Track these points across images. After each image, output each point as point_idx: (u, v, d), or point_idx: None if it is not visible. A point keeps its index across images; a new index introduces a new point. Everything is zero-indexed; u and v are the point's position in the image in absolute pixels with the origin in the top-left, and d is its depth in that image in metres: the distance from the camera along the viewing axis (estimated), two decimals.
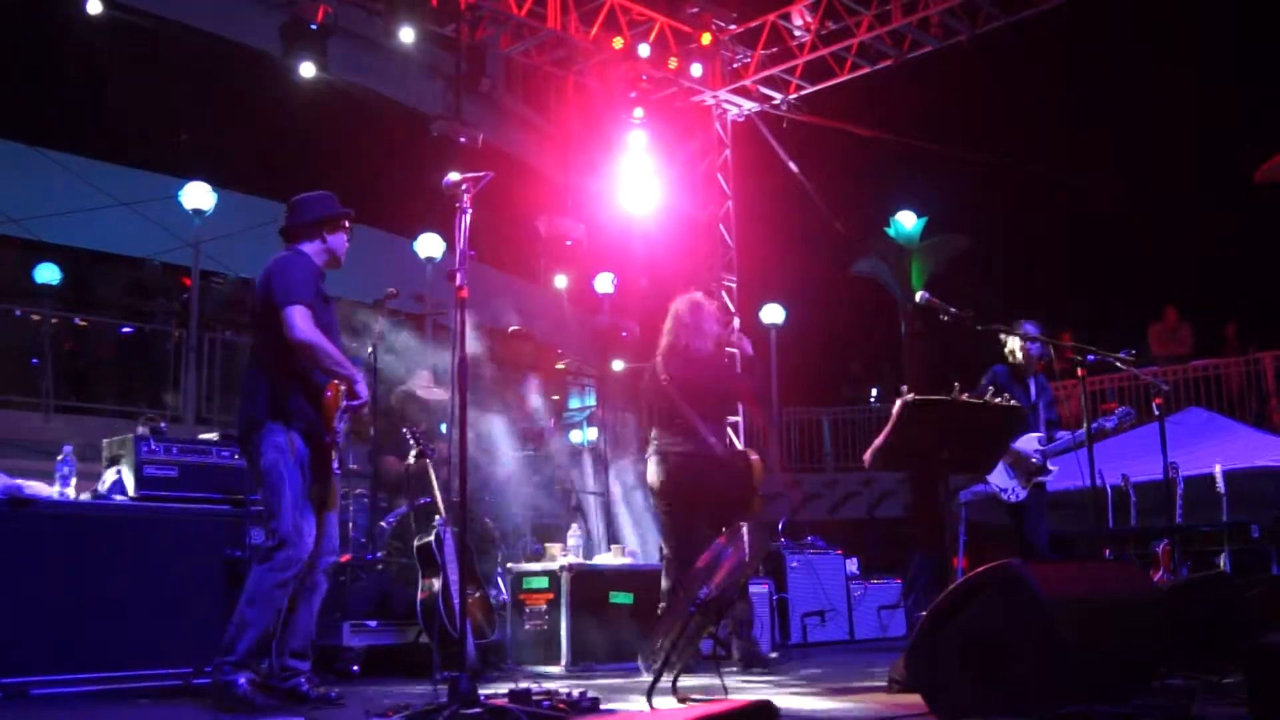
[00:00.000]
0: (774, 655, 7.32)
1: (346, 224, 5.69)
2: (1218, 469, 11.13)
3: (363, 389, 5.32)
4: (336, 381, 5.29)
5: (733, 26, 14.05)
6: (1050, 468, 8.00)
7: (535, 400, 9.59)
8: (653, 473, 7.51)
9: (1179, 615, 4.97)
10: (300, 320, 5.25)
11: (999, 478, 7.87)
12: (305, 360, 5.31)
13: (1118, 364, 7.56)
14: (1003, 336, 7.74)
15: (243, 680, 5.12)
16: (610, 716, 4.53)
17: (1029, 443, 7.85)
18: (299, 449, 5.34)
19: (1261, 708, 3.80)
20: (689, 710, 1.51)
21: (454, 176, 4.71)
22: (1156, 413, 7.84)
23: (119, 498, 6.50)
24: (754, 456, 7.73)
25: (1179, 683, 4.34)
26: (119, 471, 6.60)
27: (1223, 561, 10.62)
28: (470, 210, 4.66)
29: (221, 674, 5.14)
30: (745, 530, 5.22)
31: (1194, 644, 4.86)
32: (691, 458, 7.33)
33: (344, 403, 5.27)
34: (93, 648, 6.09)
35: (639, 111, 13.98)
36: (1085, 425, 7.14)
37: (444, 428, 8.65)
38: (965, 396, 5.68)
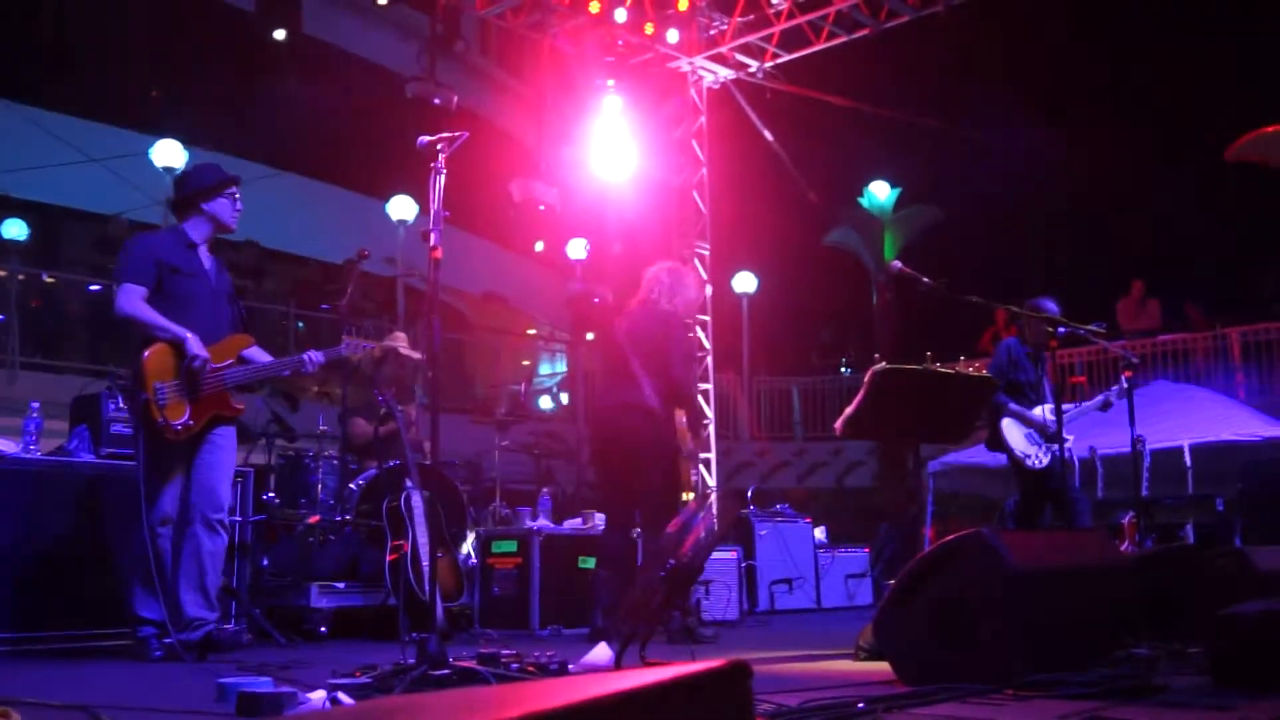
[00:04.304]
0: (709, 633, 7.23)
1: (232, 190, 5.96)
2: (1185, 443, 11.22)
3: (192, 347, 5.56)
4: (162, 344, 5.58)
5: None
6: (1065, 436, 8.06)
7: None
8: None
9: (1145, 586, 5.01)
10: (122, 297, 5.64)
11: (1022, 445, 7.91)
12: (134, 331, 5.66)
13: (1088, 336, 7.59)
14: (1013, 310, 7.78)
15: (147, 633, 5.55)
16: (581, 677, 4.53)
17: (1042, 413, 7.94)
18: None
19: (1223, 676, 3.84)
20: (662, 671, 1.51)
21: (429, 136, 4.68)
22: (1125, 385, 7.88)
23: (85, 456, 6.46)
24: (681, 420, 7.58)
25: (1144, 652, 4.38)
26: (85, 429, 6.56)
27: (1187, 533, 10.73)
28: (445, 171, 4.63)
29: (134, 632, 5.61)
30: (714, 498, 5.21)
31: (1159, 614, 4.90)
32: (613, 409, 7.16)
33: (184, 364, 5.57)
34: (58, 605, 6.07)
35: (610, 83, 13.90)
36: (1055, 399, 7.19)
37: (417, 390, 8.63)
38: (937, 366, 5.69)
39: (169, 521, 5.64)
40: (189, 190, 5.95)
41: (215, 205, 5.91)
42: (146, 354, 5.54)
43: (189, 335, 5.57)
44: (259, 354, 6.00)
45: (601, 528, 8.29)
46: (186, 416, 5.55)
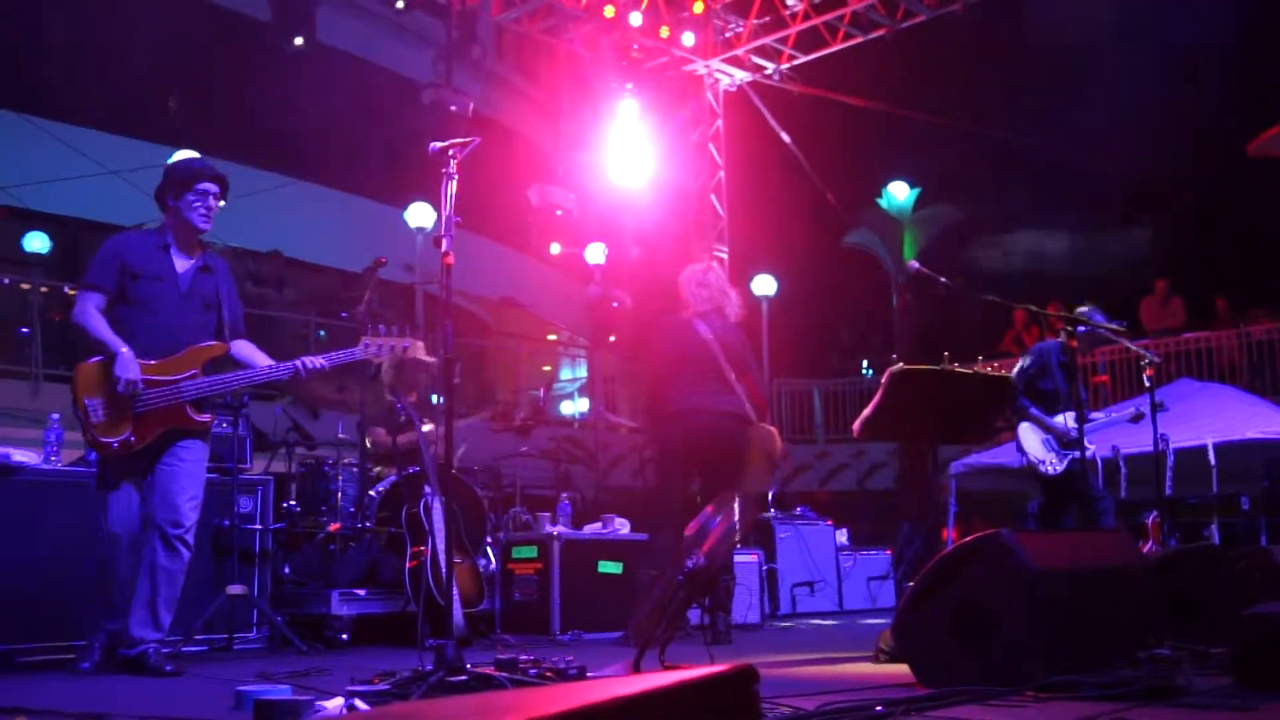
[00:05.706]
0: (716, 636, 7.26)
1: (203, 186, 5.61)
2: (1209, 442, 11.14)
3: (120, 367, 5.25)
4: (97, 360, 5.35)
5: None
6: (1088, 445, 7.98)
7: None
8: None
9: (1167, 586, 4.97)
10: (76, 306, 5.47)
11: (1038, 451, 7.86)
12: (82, 340, 5.44)
13: (1109, 335, 7.55)
14: (1032, 310, 7.74)
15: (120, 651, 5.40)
16: (587, 682, 4.51)
17: (1066, 419, 7.85)
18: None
19: (1247, 677, 3.80)
20: (670, 675, 1.52)
21: (440, 142, 4.65)
22: (1147, 384, 7.82)
23: None
24: (773, 429, 7.62)
25: (1166, 653, 4.34)
26: None
27: (1212, 533, 10.66)
28: (456, 176, 4.61)
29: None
30: (736, 500, 5.18)
31: (1182, 615, 4.86)
32: (709, 416, 7.16)
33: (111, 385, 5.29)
34: (80, 615, 6.08)
35: (627, 86, 13.91)
36: (1075, 397, 7.14)
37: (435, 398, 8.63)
38: (955, 366, 5.66)
39: (116, 540, 5.39)
40: (159, 186, 5.68)
41: (181, 203, 5.58)
42: (77, 369, 5.34)
43: (121, 353, 5.26)
44: (254, 357, 5.69)
45: (623, 532, 8.30)
46: (127, 433, 5.30)
